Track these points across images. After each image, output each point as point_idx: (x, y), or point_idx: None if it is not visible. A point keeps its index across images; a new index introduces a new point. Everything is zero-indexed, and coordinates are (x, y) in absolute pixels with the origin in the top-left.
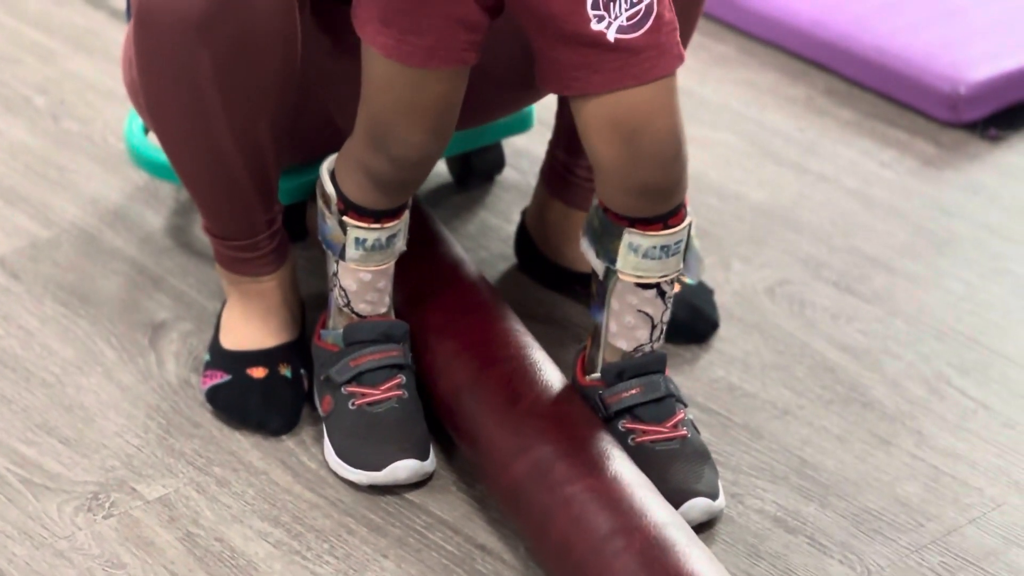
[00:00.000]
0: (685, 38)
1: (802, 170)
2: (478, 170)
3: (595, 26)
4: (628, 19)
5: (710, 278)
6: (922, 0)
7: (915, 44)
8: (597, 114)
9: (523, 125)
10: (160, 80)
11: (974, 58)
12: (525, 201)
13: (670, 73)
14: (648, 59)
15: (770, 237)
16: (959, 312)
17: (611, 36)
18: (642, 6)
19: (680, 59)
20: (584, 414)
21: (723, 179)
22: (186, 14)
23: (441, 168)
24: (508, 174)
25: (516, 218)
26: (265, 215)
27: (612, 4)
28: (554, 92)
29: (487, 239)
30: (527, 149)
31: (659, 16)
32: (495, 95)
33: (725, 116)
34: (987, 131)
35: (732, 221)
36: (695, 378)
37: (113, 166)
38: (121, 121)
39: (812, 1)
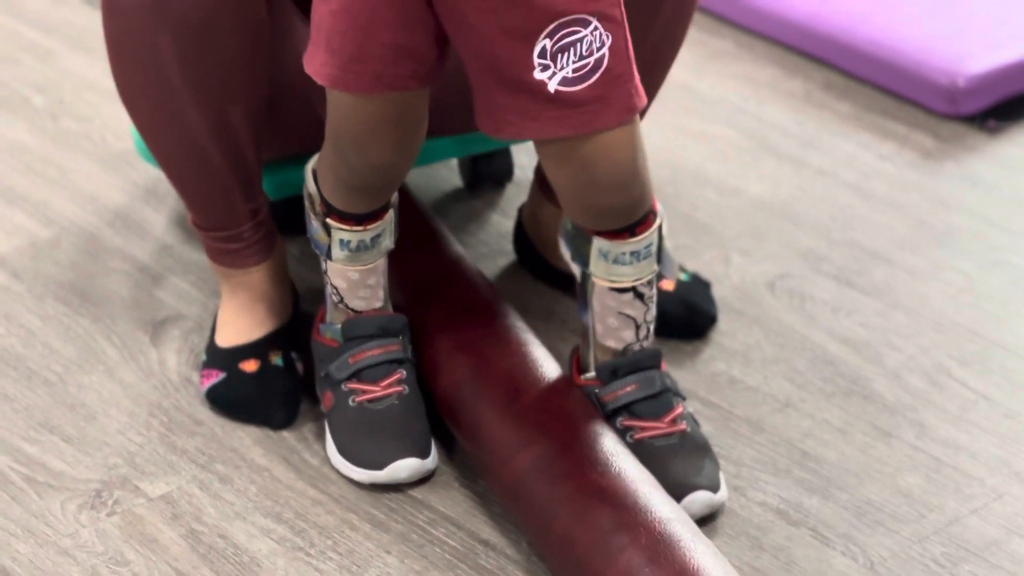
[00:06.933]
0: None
1: (801, 164)
2: (485, 176)
3: (538, 75)
4: (574, 71)
5: (710, 272)
6: None
7: (913, 37)
8: (546, 147)
9: None
10: (128, 65)
11: (972, 50)
12: (524, 197)
13: (611, 127)
14: (588, 112)
15: (770, 231)
16: (959, 304)
17: (552, 87)
18: (591, 60)
19: (629, 111)
20: (585, 409)
21: (722, 173)
22: None
23: (442, 168)
24: None
25: (515, 214)
26: (247, 205)
27: (561, 55)
28: (488, 134)
29: (486, 234)
30: (530, 146)
31: (608, 70)
32: None
33: (723, 110)
34: (986, 123)
35: (731, 215)
36: (696, 372)
37: (112, 165)
38: (120, 120)
39: None
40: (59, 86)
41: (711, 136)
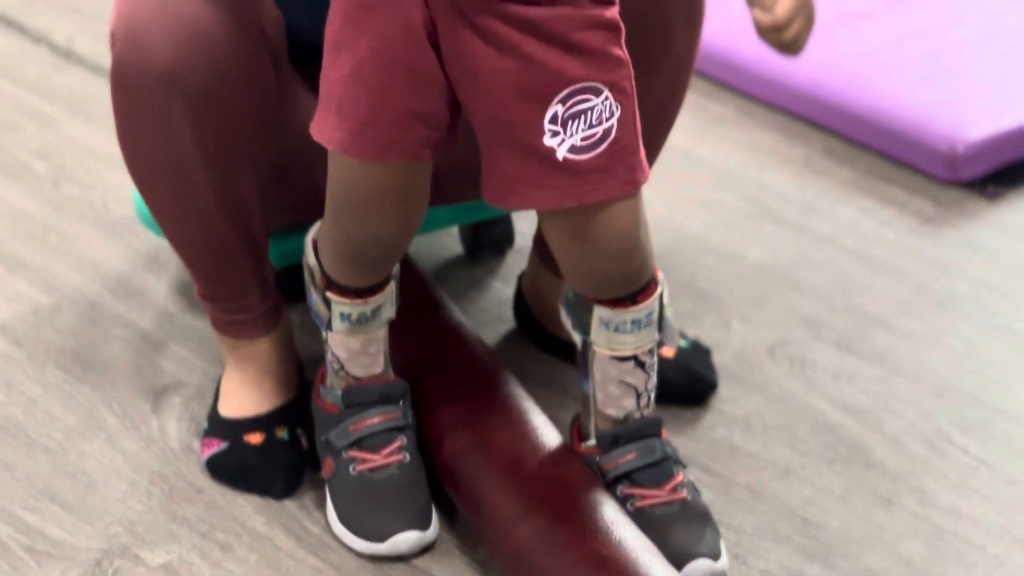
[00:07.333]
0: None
1: (801, 229)
2: (486, 243)
3: (548, 141)
4: (582, 139)
5: (710, 338)
6: (919, 60)
7: (913, 103)
8: (548, 216)
9: None
10: (139, 137)
11: (972, 117)
12: (525, 265)
13: (614, 197)
14: (590, 182)
15: (770, 297)
16: (959, 370)
17: (560, 155)
18: (599, 129)
19: (633, 184)
20: (586, 478)
21: (723, 239)
22: (156, 66)
23: (443, 235)
24: None
25: (515, 281)
26: (255, 276)
27: (571, 122)
28: (494, 203)
29: (487, 301)
30: (530, 213)
31: (615, 141)
32: None
33: (724, 176)
34: (985, 189)
35: (732, 281)
36: (697, 439)
37: (114, 231)
38: (121, 186)
39: (809, 61)
40: (60, 152)
41: (712, 202)
